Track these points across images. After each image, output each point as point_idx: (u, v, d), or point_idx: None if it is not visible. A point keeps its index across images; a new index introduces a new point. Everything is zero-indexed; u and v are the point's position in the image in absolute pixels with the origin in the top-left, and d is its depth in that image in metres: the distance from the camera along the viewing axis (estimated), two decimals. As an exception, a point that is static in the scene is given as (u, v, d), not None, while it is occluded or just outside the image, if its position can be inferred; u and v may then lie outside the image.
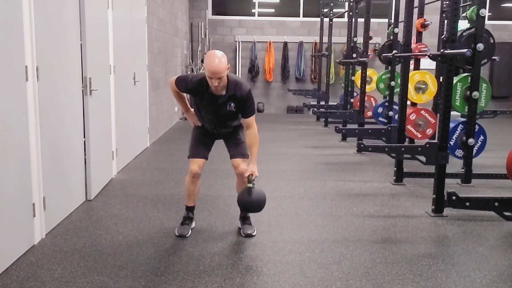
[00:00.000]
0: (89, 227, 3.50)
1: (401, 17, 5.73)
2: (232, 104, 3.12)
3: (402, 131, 5.14)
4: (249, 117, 3.16)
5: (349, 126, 7.50)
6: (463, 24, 5.38)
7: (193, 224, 3.49)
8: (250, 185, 3.14)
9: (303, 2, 11.56)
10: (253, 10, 11.65)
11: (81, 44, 3.95)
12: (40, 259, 2.93)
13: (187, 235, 3.35)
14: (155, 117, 7.35)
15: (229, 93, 3.09)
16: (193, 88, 3.13)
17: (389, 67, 6.60)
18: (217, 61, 2.92)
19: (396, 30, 6.26)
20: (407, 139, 5.97)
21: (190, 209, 3.46)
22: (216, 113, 3.21)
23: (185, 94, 3.33)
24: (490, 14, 11.13)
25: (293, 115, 11.33)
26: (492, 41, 4.53)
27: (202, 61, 10.79)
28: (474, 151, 4.71)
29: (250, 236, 3.33)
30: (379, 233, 3.51)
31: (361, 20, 7.37)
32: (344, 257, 3.04)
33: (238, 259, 2.99)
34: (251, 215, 3.51)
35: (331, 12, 9.68)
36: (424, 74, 5.91)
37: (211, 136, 3.39)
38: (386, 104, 6.61)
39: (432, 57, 4.08)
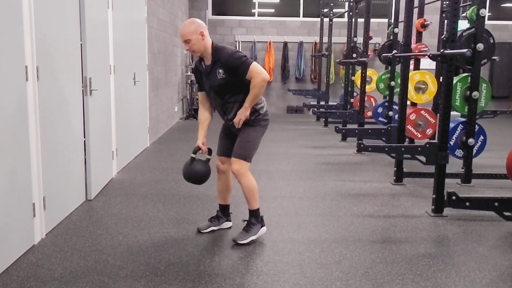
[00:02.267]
0: (89, 227, 3.50)
1: (401, 17, 5.73)
2: (220, 71, 3.08)
3: (402, 131, 5.13)
4: (247, 73, 3.03)
5: (349, 126, 7.50)
6: (463, 24, 5.38)
7: (226, 225, 3.49)
8: (193, 155, 3.31)
9: (303, 2, 11.56)
10: (253, 10, 11.65)
11: (81, 44, 3.95)
12: (40, 259, 2.93)
13: (202, 231, 3.40)
14: (155, 117, 7.35)
15: (213, 59, 3.11)
16: (196, 66, 3.27)
17: (389, 67, 6.60)
18: (184, 24, 3.09)
19: (396, 30, 6.26)
20: (407, 139, 5.97)
21: (220, 207, 3.49)
22: (213, 88, 3.18)
23: (206, 121, 3.35)
24: (490, 14, 11.13)
25: (293, 115, 11.33)
26: (492, 41, 4.54)
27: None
28: (474, 151, 4.71)
29: (238, 242, 3.20)
30: (379, 233, 3.51)
31: (361, 20, 7.38)
32: (344, 257, 3.04)
33: (238, 259, 2.99)
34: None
35: (331, 12, 9.69)
36: (424, 74, 5.91)
37: (229, 133, 3.34)
38: (386, 104, 6.61)
39: (432, 57, 4.08)
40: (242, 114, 3.12)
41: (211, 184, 4.72)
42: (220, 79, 3.11)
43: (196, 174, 3.32)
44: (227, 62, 3.05)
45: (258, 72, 3.02)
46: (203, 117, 3.36)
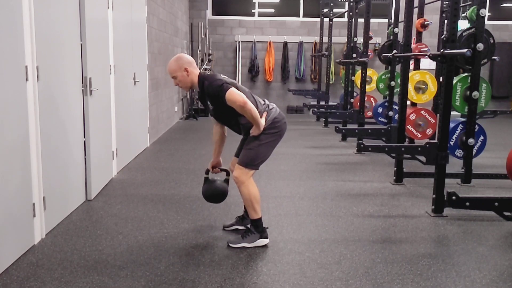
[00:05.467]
0: (89, 227, 3.50)
1: (401, 17, 5.73)
2: (209, 102, 3.12)
3: (402, 131, 5.13)
4: (226, 101, 2.99)
5: (349, 126, 7.50)
6: (463, 24, 5.38)
7: (237, 227, 3.50)
8: (205, 175, 3.44)
9: (303, 2, 11.56)
10: (253, 10, 11.65)
11: (81, 44, 3.95)
12: (40, 259, 2.93)
13: (226, 228, 3.50)
14: (155, 117, 7.35)
15: (201, 90, 3.14)
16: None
17: (389, 67, 6.60)
18: (170, 61, 3.18)
19: (396, 30, 6.26)
20: (407, 139, 5.97)
21: (244, 207, 3.45)
22: (214, 115, 3.23)
23: (219, 141, 3.40)
24: (490, 14, 11.13)
25: (293, 115, 11.34)
26: (492, 41, 4.53)
27: (202, 61, 10.81)
28: (474, 151, 4.71)
29: (229, 245, 3.20)
30: (379, 233, 3.51)
31: (361, 20, 7.38)
32: (344, 257, 3.04)
33: (238, 259, 2.99)
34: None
35: (331, 12, 9.69)
36: (424, 74, 5.91)
37: (245, 138, 3.31)
38: (386, 104, 6.61)
39: (432, 57, 4.08)
40: (256, 132, 3.10)
41: (211, 184, 4.73)
42: (212, 109, 3.15)
43: (205, 194, 3.41)
44: (208, 92, 3.06)
45: (233, 100, 2.96)
46: (216, 137, 3.41)
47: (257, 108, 3.07)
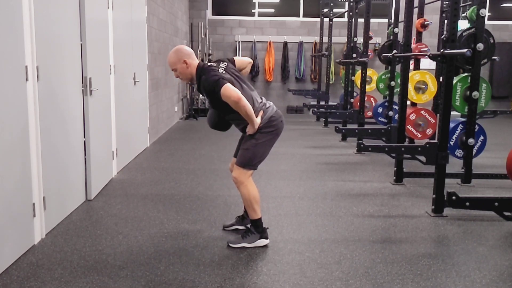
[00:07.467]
0: (89, 227, 3.50)
1: (401, 17, 5.73)
2: (205, 95, 3.13)
3: (402, 131, 5.13)
4: (221, 97, 2.99)
5: (349, 126, 7.50)
6: (463, 24, 5.38)
7: (237, 227, 3.50)
8: None
9: (303, 2, 11.56)
10: (253, 10, 11.65)
11: (81, 44, 3.95)
12: (40, 259, 2.93)
13: (226, 228, 3.49)
14: (155, 117, 7.35)
15: (198, 83, 3.14)
16: None
17: (389, 67, 6.60)
18: (170, 53, 3.15)
19: (396, 30, 6.26)
20: (407, 139, 5.96)
21: (244, 207, 3.44)
22: (212, 107, 3.23)
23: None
24: (490, 14, 11.13)
25: (293, 115, 11.34)
26: (492, 41, 4.53)
27: (202, 61, 10.81)
28: (474, 151, 4.71)
29: (229, 244, 3.20)
30: (379, 233, 3.51)
31: (361, 20, 7.38)
32: (344, 257, 3.04)
33: (238, 259, 2.99)
34: None
35: (331, 12, 9.69)
36: (424, 74, 5.91)
37: (243, 136, 3.32)
38: (386, 104, 6.61)
39: (432, 57, 4.08)
40: (251, 130, 3.10)
41: (211, 184, 4.73)
42: (209, 102, 3.16)
43: (210, 121, 3.36)
44: (204, 86, 3.06)
45: (227, 95, 2.95)
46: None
47: (253, 106, 3.07)
